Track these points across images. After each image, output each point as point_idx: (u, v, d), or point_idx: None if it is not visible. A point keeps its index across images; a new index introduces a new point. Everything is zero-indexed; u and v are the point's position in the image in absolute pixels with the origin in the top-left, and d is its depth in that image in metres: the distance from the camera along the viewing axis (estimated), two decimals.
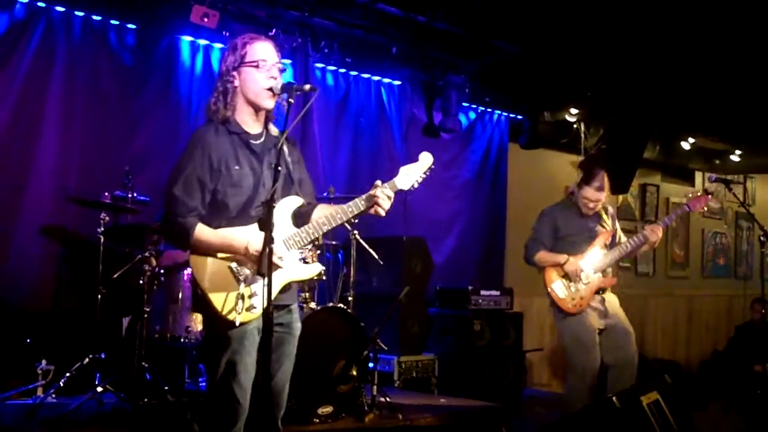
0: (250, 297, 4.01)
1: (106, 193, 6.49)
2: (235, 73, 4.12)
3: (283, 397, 4.25)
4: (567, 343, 6.90)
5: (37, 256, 7.05)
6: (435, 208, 10.05)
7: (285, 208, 4.19)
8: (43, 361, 6.46)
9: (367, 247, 7.25)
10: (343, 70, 9.09)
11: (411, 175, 4.27)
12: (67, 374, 6.30)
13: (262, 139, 4.22)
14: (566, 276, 6.79)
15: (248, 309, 3.99)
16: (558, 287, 6.80)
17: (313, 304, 6.60)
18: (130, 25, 7.52)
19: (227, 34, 7.54)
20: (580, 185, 6.86)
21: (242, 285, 3.99)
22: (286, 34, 7.97)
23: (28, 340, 6.71)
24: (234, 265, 4.02)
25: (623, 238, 7.01)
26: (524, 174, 11.18)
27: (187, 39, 7.84)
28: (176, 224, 3.98)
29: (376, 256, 7.30)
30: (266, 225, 3.68)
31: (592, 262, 6.78)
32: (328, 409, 6.28)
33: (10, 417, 5.93)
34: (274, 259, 3.81)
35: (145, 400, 6.11)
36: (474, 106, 10.43)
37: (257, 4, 7.71)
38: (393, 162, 9.46)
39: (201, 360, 6.51)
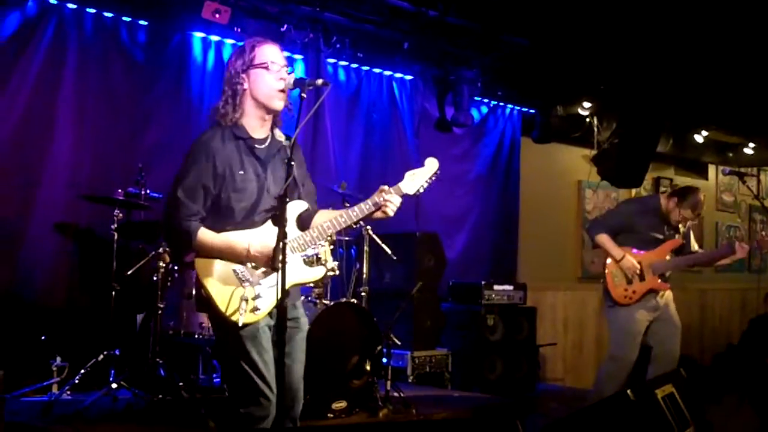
0: (254, 299, 4.02)
1: (119, 190, 6.51)
2: (244, 76, 4.14)
3: (301, 394, 4.28)
4: (612, 331, 7.08)
5: (50, 253, 7.06)
6: (447, 203, 10.04)
7: (291, 211, 4.17)
8: (58, 358, 6.48)
9: (380, 242, 7.25)
10: (354, 65, 9.08)
11: (416, 180, 4.36)
12: (82, 371, 6.33)
13: (267, 144, 4.24)
14: None
15: (252, 311, 4.01)
16: (615, 275, 6.97)
17: (326, 300, 6.61)
18: (141, 22, 7.53)
19: (239, 30, 7.55)
20: (681, 202, 7.01)
21: (246, 287, 4.01)
22: (298, 30, 7.96)
23: (43, 337, 6.72)
24: (238, 267, 4.03)
25: (695, 247, 7.13)
26: (537, 168, 11.16)
27: (198, 35, 7.84)
28: (179, 228, 4.00)
29: (389, 252, 7.31)
30: (280, 220, 3.69)
31: (655, 263, 6.90)
32: (342, 404, 6.29)
33: (26, 414, 5.95)
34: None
35: (160, 396, 6.12)
36: (486, 100, 10.41)
37: None
38: (405, 157, 9.45)
39: (217, 360, 6.49)
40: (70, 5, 7.11)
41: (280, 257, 3.70)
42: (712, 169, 14.18)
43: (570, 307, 11.45)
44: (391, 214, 4.22)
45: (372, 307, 7.06)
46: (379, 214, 4.22)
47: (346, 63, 8.97)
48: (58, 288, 7.08)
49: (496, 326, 8.86)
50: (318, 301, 6.54)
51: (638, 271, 6.90)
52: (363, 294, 7.26)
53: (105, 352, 6.40)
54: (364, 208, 4.20)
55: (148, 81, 7.60)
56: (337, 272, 6.55)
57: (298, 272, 4.20)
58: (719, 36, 8.59)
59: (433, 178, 4.39)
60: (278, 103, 4.18)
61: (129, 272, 6.55)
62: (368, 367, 6.43)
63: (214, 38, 7.90)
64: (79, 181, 7.11)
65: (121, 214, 6.57)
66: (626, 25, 8.44)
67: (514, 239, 10.78)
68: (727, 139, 12.69)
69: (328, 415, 6.20)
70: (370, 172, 9.08)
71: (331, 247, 6.56)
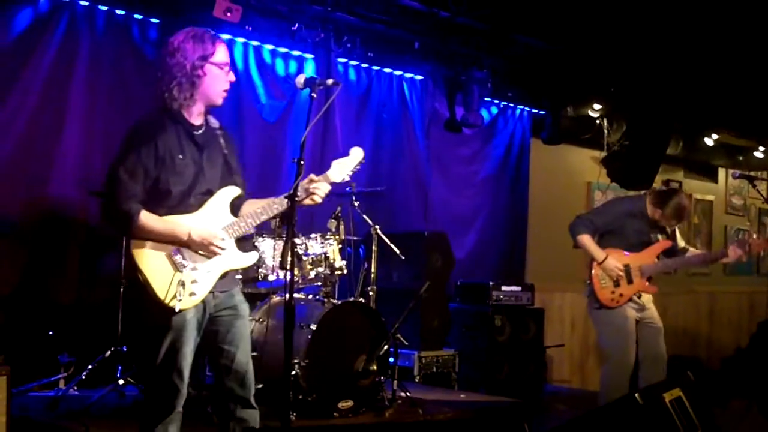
0: (191, 283, 4.10)
1: None
2: (203, 70, 4.22)
3: (250, 377, 4.34)
4: (604, 334, 7.01)
5: (59, 248, 7.06)
6: (456, 203, 10.05)
7: (224, 197, 4.32)
8: (66, 354, 6.50)
9: (388, 242, 7.25)
10: (365, 65, 9.07)
11: (342, 168, 4.58)
12: (89, 367, 6.36)
13: (203, 131, 4.34)
14: None
15: (189, 295, 4.08)
16: (602, 277, 6.90)
17: (333, 299, 6.61)
18: (153, 20, 7.52)
19: (250, 28, 7.56)
20: (662, 207, 6.86)
21: (183, 272, 4.09)
22: (309, 29, 7.97)
23: (51, 333, 6.73)
24: (172, 252, 4.10)
25: (682, 244, 7.12)
26: (546, 169, 11.15)
27: None
28: (119, 209, 4.05)
29: (397, 251, 7.30)
30: (290, 219, 3.70)
31: (644, 265, 6.85)
32: (349, 403, 6.28)
33: (33, 409, 5.97)
34: (219, 242, 4.14)
35: None
36: (496, 101, 10.40)
37: None
38: (414, 157, 9.46)
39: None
40: (82, 2, 7.11)
41: (289, 256, 3.71)
42: (722, 173, 14.15)
43: (577, 308, 11.42)
44: (319, 200, 4.40)
45: (379, 306, 7.05)
46: (308, 201, 4.37)
47: (357, 62, 8.96)
48: (66, 284, 7.09)
49: (504, 327, 8.85)
50: (326, 300, 6.53)
51: (622, 273, 6.84)
52: (370, 293, 7.26)
53: (112, 348, 6.41)
54: (298, 195, 4.30)
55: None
56: (345, 271, 6.63)
57: (233, 258, 4.29)
58: (731, 39, 8.57)
59: (358, 167, 4.63)
60: (221, 101, 4.35)
61: None
62: (375, 367, 6.43)
63: (225, 37, 7.87)
64: (88, 177, 7.11)
65: None
66: (637, 27, 8.43)
67: (523, 240, 10.78)
68: (737, 143, 12.67)
69: (335, 414, 6.19)
70: (380, 172, 9.07)
71: (340, 246, 6.58)
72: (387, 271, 8.29)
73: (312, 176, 4.39)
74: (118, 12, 7.33)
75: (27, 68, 6.84)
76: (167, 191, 4.14)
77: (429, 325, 8.57)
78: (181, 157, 4.18)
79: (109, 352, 6.39)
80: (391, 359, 6.75)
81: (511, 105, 10.67)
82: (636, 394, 5.05)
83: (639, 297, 6.91)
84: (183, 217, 4.15)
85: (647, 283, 6.88)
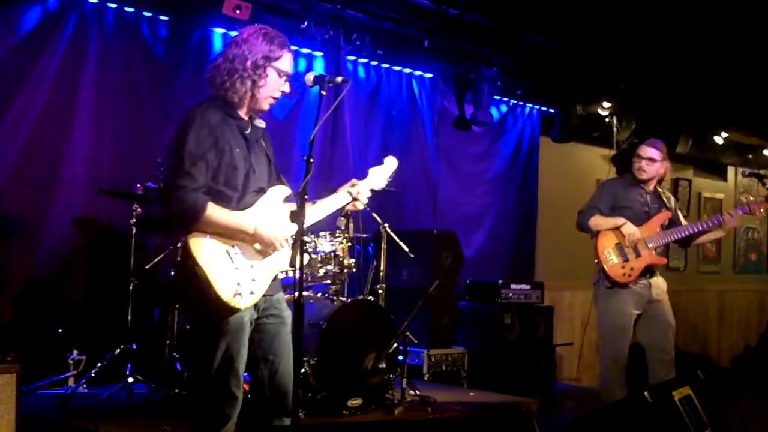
0: (251, 282, 4.01)
1: (138, 185, 6.52)
2: (264, 72, 4.16)
3: (291, 387, 4.18)
4: (603, 323, 6.92)
5: (69, 247, 7.08)
6: (466, 201, 10.05)
7: (276, 196, 4.24)
8: (75, 352, 6.51)
9: (397, 240, 7.25)
10: (374, 63, 9.07)
11: (380, 176, 4.61)
12: (99, 364, 6.37)
13: (249, 130, 4.26)
14: (619, 245, 6.80)
15: (249, 293, 3.99)
16: (609, 254, 6.80)
17: (343, 297, 6.61)
18: (162, 17, 7.53)
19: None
20: (637, 145, 7.03)
21: (239, 270, 3.98)
22: (318, 27, 7.96)
23: (60, 331, 6.75)
24: (231, 248, 4.00)
25: (684, 222, 7.04)
26: (556, 167, 11.13)
27: (219, 31, 7.84)
28: (186, 200, 3.88)
29: (407, 249, 7.30)
30: (299, 216, 3.69)
31: (648, 237, 6.80)
32: (358, 401, 6.29)
33: (42, 407, 5.98)
34: (284, 243, 4.06)
35: (176, 390, 6.15)
36: (506, 99, 10.40)
37: None
38: (424, 155, 9.46)
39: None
40: (91, 0, 7.12)
41: (299, 255, 3.71)
42: (731, 171, 14.12)
43: (587, 306, 11.33)
44: (361, 207, 4.45)
45: (389, 304, 7.06)
46: (349, 207, 4.38)
47: (366, 60, 8.96)
48: (76, 282, 7.11)
49: (513, 325, 8.84)
50: (335, 297, 6.54)
51: (640, 237, 6.77)
52: (380, 291, 7.27)
53: (122, 346, 6.43)
54: (342, 199, 4.35)
55: (169, 77, 7.60)
56: (354, 269, 6.63)
57: (285, 260, 4.10)
58: (740, 37, 8.55)
59: (392, 176, 4.67)
60: (267, 107, 4.27)
61: (147, 267, 6.57)
62: (384, 365, 6.43)
63: (235, 34, 7.88)
64: (98, 176, 7.13)
65: (139, 209, 6.59)
66: (646, 25, 8.41)
67: (532, 238, 10.78)
68: (746, 141, 12.64)
69: (344, 412, 6.19)
70: None
71: (349, 244, 6.58)
72: (396, 269, 8.29)
73: (355, 181, 4.33)
74: (128, 9, 7.32)
75: (36, 66, 6.85)
76: (228, 184, 4.05)
77: (438, 324, 8.57)
78: (237, 150, 4.09)
79: (118, 350, 6.41)
80: (401, 357, 6.75)
81: (521, 103, 10.66)
82: (645, 392, 5.04)
83: (649, 287, 6.80)
84: (248, 212, 4.07)
85: (655, 255, 6.82)
